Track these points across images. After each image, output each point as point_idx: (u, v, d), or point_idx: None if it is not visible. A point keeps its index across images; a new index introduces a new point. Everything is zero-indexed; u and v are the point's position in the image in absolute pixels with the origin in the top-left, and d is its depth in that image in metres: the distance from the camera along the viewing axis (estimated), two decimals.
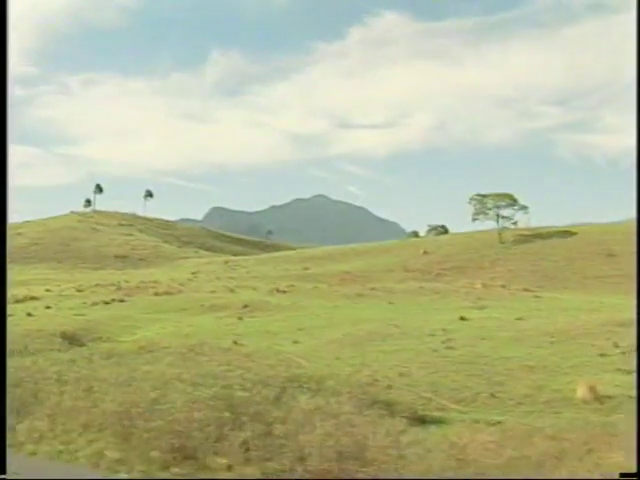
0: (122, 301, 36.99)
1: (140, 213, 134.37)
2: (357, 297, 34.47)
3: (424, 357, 17.90)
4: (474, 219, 57.13)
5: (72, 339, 24.83)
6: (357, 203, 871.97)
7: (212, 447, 8.81)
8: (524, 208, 56.60)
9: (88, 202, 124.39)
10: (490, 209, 56.21)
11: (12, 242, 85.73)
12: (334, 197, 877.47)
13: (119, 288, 42.96)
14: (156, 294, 39.71)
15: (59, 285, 49.38)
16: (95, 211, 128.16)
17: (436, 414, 12.38)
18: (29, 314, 31.71)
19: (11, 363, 15.25)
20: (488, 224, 58.64)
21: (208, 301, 35.39)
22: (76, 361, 14.94)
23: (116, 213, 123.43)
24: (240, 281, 48.36)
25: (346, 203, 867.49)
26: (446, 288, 36.70)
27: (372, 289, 36.66)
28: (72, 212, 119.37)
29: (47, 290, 43.78)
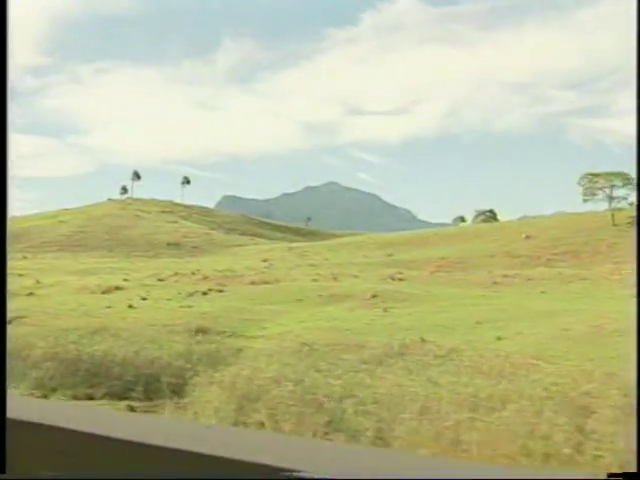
0: (220, 291, 33.74)
1: (177, 200, 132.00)
2: (494, 285, 30.79)
3: None
4: (585, 200, 53.16)
5: (209, 334, 21.77)
6: (368, 190, 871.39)
7: None
8: None
9: (124, 189, 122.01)
10: (600, 189, 52.18)
11: (56, 230, 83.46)
12: (345, 184, 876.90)
13: (205, 277, 39.76)
14: (252, 283, 36.47)
15: (129, 274, 46.46)
16: (130, 198, 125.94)
17: None
18: (130, 306, 28.65)
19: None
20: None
21: (322, 291, 31.98)
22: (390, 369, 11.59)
23: (153, 200, 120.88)
24: (327, 269, 44.92)
25: (357, 190, 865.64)
26: (589, 274, 32.88)
27: (505, 276, 32.98)
28: (109, 199, 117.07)
29: (125, 280, 40.77)
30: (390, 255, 52.26)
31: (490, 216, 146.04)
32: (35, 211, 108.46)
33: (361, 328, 21.72)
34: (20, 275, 47.21)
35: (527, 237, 51.03)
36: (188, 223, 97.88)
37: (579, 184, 53.28)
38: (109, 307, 29.24)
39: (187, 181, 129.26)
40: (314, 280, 36.69)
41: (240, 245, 77.08)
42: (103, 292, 34.53)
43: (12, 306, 30.58)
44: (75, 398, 12.01)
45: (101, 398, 12.15)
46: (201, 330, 21.94)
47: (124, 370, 13.55)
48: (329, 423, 8.78)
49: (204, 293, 33.18)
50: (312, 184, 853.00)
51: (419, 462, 1.62)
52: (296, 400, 9.71)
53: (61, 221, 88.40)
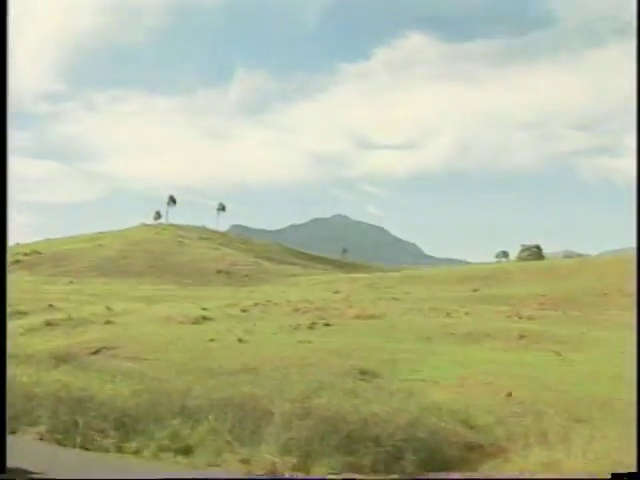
0: (328, 325, 30.64)
1: (210, 227, 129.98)
2: None
3: None
4: None
5: (374, 378, 18.60)
6: (376, 223, 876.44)
7: None
8: None
9: (158, 214, 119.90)
10: None
11: (96, 254, 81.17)
12: (354, 217, 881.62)
13: (296, 309, 36.75)
14: (357, 317, 33.37)
15: (200, 302, 43.59)
16: (162, 224, 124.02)
17: None
18: (240, 340, 25.58)
19: None
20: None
21: (446, 328, 28.70)
22: None
23: (189, 226, 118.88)
24: (419, 303, 41.64)
25: (365, 223, 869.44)
26: None
27: None
28: (143, 224, 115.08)
29: (203, 309, 37.88)
30: (476, 290, 48.92)
31: (536, 251, 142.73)
32: (69, 234, 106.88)
33: (559, 379, 18.35)
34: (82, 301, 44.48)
35: None
36: (230, 251, 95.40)
37: None
38: (213, 340, 26.12)
39: (222, 208, 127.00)
40: (425, 316, 33.45)
41: (294, 275, 74.09)
42: (193, 323, 31.58)
43: (92, 335, 27.60)
44: (331, 469, 8.84)
45: (372, 471, 8.92)
46: (365, 372, 18.83)
47: (382, 431, 10.31)
48: None
49: (310, 327, 30.05)
50: (320, 216, 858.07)
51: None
52: None
53: (100, 245, 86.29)
